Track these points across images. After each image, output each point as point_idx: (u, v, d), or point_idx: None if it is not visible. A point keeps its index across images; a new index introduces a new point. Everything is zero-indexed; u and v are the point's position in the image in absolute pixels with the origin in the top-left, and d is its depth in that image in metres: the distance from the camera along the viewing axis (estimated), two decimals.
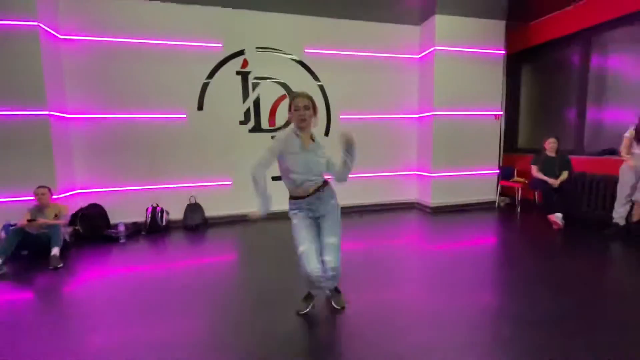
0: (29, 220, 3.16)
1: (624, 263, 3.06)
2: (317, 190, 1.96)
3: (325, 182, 2.02)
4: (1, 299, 2.46)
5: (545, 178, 4.13)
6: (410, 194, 5.38)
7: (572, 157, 4.30)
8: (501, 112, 5.14)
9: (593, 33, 4.32)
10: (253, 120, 4.58)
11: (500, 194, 5.38)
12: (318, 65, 4.72)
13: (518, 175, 5.09)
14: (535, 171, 4.29)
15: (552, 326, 1.91)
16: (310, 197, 1.95)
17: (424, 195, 5.17)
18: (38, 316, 2.21)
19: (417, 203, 5.33)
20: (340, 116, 4.89)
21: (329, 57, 4.73)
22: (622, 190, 3.60)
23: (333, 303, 2.18)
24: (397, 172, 5.29)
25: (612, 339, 1.79)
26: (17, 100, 3.42)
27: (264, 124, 4.63)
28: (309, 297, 2.17)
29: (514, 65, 5.42)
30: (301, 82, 4.66)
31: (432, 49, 4.70)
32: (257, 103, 4.56)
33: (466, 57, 4.79)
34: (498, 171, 5.24)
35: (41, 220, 3.22)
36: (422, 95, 5.08)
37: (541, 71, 5.21)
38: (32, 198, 3.33)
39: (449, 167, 4.96)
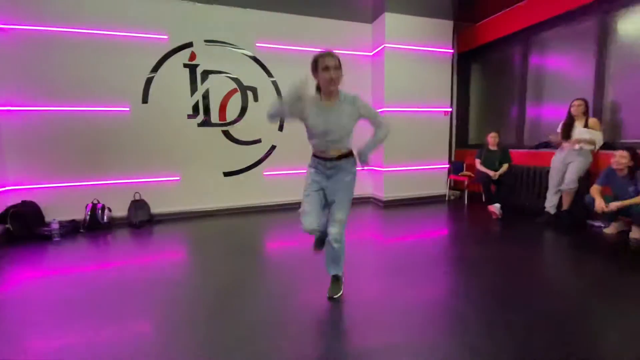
0: None
1: (550, 247, 3.24)
2: (341, 157, 1.93)
3: (351, 153, 1.99)
4: None
5: (486, 170, 4.31)
6: (365, 189, 5.46)
7: (513, 150, 4.51)
8: (450, 109, 5.33)
9: (531, 33, 4.56)
10: (202, 114, 4.49)
11: (453, 188, 5.57)
12: (270, 60, 4.70)
13: (467, 169, 5.29)
14: (478, 164, 4.47)
15: (490, 303, 2.03)
16: (333, 160, 1.92)
17: (378, 190, 5.26)
18: None
19: (372, 197, 5.42)
20: None
21: (281, 52, 4.71)
22: (552, 181, 3.81)
23: (328, 293, 2.12)
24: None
25: (521, 316, 1.89)
26: None
27: (214, 118, 4.54)
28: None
29: (463, 63, 5.63)
30: (253, 77, 4.63)
31: (382, 46, 4.80)
32: (206, 96, 4.47)
33: (416, 55, 4.93)
34: (448, 166, 5.42)
35: None
36: (375, 91, 5.17)
37: (488, 70, 5.44)
38: None
39: (400, 162, 5.08)
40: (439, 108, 5.22)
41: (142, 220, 4.18)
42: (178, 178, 4.46)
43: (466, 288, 2.31)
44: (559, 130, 3.81)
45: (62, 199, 4.00)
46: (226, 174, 4.69)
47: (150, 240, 3.71)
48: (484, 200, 4.54)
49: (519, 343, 1.64)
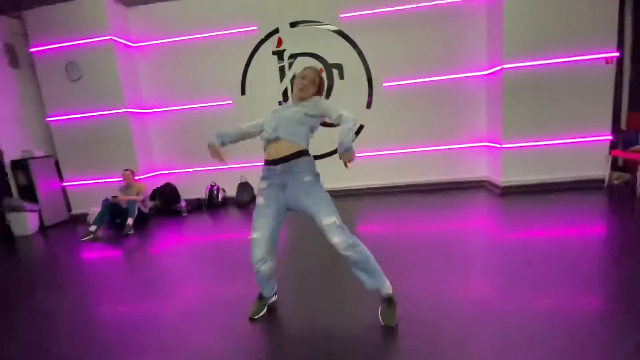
0: (113, 197, 4.08)
1: None
2: (293, 156, 1.65)
3: (304, 153, 1.69)
4: (93, 255, 3.36)
5: None
6: (478, 171, 4.48)
7: None
8: (617, 54, 3.62)
9: None
10: (291, 99, 4.57)
11: (618, 169, 3.92)
12: (356, 30, 4.29)
13: None
14: None
15: None
16: (282, 163, 1.65)
17: (494, 172, 4.22)
18: (114, 270, 2.95)
19: (487, 181, 4.40)
20: (384, 84, 4.37)
21: (367, 19, 4.22)
22: None
23: (380, 317, 1.66)
24: (461, 144, 4.44)
25: None
26: (102, 103, 4.36)
27: None
28: (262, 298, 1.87)
29: None
30: (338, 53, 4.35)
31: None
32: (293, 81, 4.51)
33: None
34: (610, 137, 3.78)
35: (122, 197, 4.10)
36: (492, 44, 4.02)
37: None
38: (121, 179, 4.27)
39: (529, 134, 3.87)
40: (596, 54, 3.62)
41: (246, 200, 4.73)
42: None
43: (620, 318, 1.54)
44: None
45: (191, 181, 4.93)
46: (315, 157, 4.70)
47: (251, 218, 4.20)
48: None
49: None
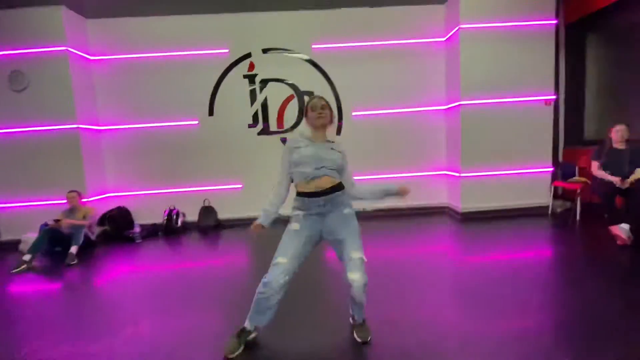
0: (55, 221, 3.61)
1: None
2: (334, 188, 1.68)
3: (343, 187, 1.74)
4: (27, 289, 2.87)
5: (607, 177, 3.18)
6: (439, 197, 4.72)
7: None
8: (555, 96, 4.16)
9: None
10: (261, 123, 4.54)
11: (561, 198, 4.37)
12: (327, 60, 4.46)
13: (581, 174, 4.04)
14: (596, 168, 3.35)
15: None
16: (324, 195, 1.65)
17: (454, 199, 4.48)
18: (53, 305, 2.50)
19: (448, 208, 4.64)
20: (353, 114, 4.53)
21: (338, 51, 4.43)
22: None
23: (356, 336, 1.76)
24: (423, 172, 4.69)
25: None
26: (49, 116, 3.96)
27: (272, 126, 4.55)
28: (242, 333, 1.70)
29: (575, 36, 4.35)
30: (309, 81, 4.47)
31: (457, 28, 4.04)
32: (264, 105, 4.51)
33: (500, 33, 4.01)
34: (552, 169, 4.25)
35: (66, 221, 3.64)
36: (450, 82, 4.41)
37: (611, 42, 4.06)
38: (65, 201, 3.81)
39: (483, 165, 4.20)
40: (537, 97, 4.13)
41: (209, 224, 4.46)
42: (240, 186, 4.61)
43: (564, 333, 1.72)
44: None
45: (146, 204, 4.55)
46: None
47: (216, 244, 3.99)
48: (605, 217, 3.37)
49: None
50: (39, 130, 3.98)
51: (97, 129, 4.40)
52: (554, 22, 4.03)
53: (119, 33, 4.33)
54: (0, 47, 3.88)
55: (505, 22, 3.98)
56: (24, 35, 3.89)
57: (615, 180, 3.10)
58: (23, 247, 3.89)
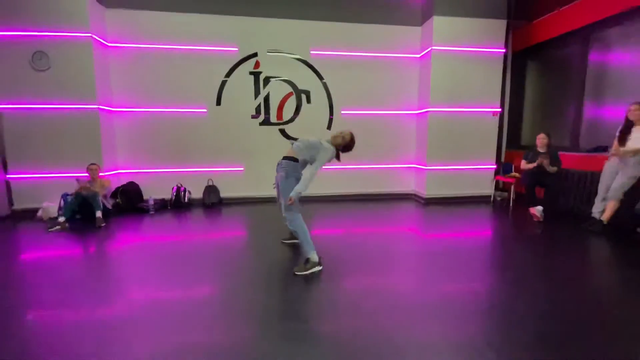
0: (82, 183, 4.03)
1: (585, 252, 3.25)
2: (284, 158, 2.76)
3: (291, 159, 2.72)
4: (64, 247, 3.35)
5: (527, 165, 4.29)
6: (407, 186, 5.72)
7: (566, 153, 4.41)
8: (500, 110, 5.29)
9: (592, 30, 4.36)
10: (263, 114, 5.21)
11: (501, 189, 5.54)
12: (323, 65, 5.22)
13: (515, 171, 5.22)
14: (523, 165, 4.47)
15: (537, 319, 1.94)
16: (282, 160, 2.77)
17: (420, 187, 5.49)
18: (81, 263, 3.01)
19: (414, 194, 5.65)
20: (342, 112, 5.36)
21: (333, 58, 5.21)
22: (602, 186, 3.71)
23: (294, 269, 2.56)
24: (396, 164, 5.65)
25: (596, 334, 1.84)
26: (71, 96, 4.34)
27: (273, 118, 5.23)
28: (308, 262, 2.58)
29: (519, 62, 5.51)
30: (307, 81, 5.20)
31: (429, 48, 4.99)
32: (267, 99, 5.18)
33: (464, 56, 5.02)
34: (495, 166, 5.40)
35: (85, 183, 4.06)
36: (421, 92, 5.38)
37: (545, 68, 5.26)
38: (85, 174, 4.23)
39: (444, 161, 5.23)
40: (487, 108, 5.23)
41: (213, 202, 5.07)
42: (242, 168, 5.26)
43: (499, 285, 2.42)
44: (617, 134, 3.67)
45: (155, 181, 5.05)
46: None
47: (219, 219, 4.54)
48: (527, 202, 4.51)
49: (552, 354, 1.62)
50: (60, 107, 4.33)
51: (111, 110, 4.80)
52: (503, 50, 5.12)
53: (135, 24, 4.74)
54: (24, 27, 4.17)
55: (467, 47, 5.00)
56: (47, 18, 4.20)
57: (530, 166, 4.22)
58: (43, 214, 4.27)
